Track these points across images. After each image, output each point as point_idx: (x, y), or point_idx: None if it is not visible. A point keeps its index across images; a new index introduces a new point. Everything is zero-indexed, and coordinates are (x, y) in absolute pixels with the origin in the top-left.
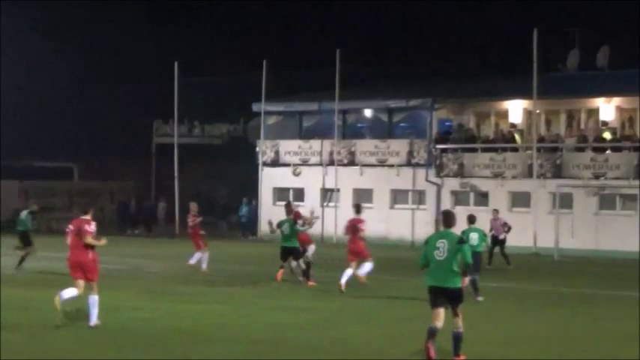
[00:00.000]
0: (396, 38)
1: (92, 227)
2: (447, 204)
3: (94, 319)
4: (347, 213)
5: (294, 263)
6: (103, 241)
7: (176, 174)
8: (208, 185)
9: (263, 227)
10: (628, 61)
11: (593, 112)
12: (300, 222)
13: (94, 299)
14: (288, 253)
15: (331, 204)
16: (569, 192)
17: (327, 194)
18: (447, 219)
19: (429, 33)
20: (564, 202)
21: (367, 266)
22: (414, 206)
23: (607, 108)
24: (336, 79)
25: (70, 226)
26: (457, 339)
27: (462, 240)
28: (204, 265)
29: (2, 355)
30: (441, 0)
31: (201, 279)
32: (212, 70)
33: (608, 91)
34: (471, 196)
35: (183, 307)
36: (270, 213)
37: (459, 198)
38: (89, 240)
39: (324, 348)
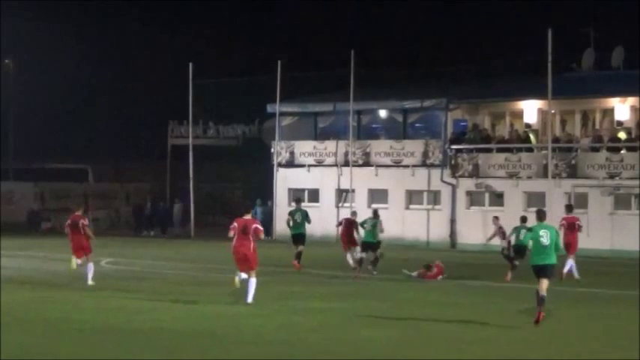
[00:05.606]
0: (411, 39)
1: (260, 225)
2: (462, 204)
3: (250, 298)
4: (362, 214)
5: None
6: (262, 235)
7: (191, 175)
8: (223, 186)
9: (278, 228)
10: None
11: (608, 112)
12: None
13: (253, 281)
14: (300, 239)
15: (346, 204)
16: (584, 192)
17: (342, 195)
18: (541, 215)
19: (443, 33)
20: (579, 202)
21: (568, 263)
22: (429, 207)
23: (622, 108)
24: (351, 80)
25: (235, 224)
26: (542, 300)
27: (557, 232)
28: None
29: (2, 355)
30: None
31: (216, 280)
32: (226, 71)
33: (622, 91)
34: (486, 196)
35: (199, 309)
36: (286, 214)
37: (474, 198)
38: (262, 236)
39: (337, 350)
